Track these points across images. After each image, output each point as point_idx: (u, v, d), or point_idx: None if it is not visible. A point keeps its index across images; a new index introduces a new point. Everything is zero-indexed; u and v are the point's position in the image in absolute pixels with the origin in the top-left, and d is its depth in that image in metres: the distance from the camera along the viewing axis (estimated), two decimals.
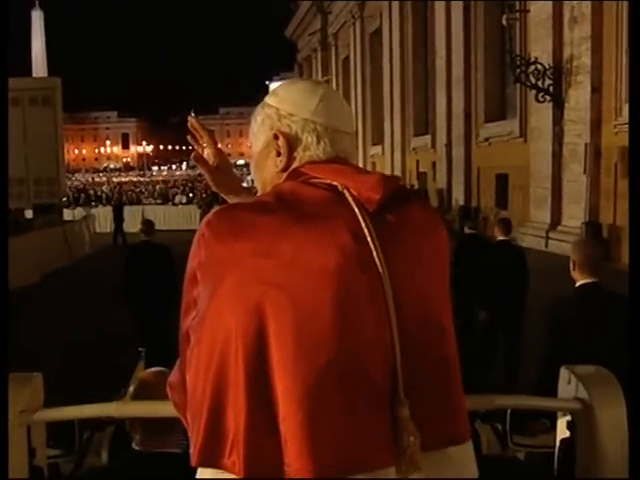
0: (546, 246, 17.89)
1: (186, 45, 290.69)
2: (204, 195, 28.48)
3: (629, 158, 4.13)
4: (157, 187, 36.38)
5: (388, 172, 35.57)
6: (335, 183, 1.44)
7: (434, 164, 28.71)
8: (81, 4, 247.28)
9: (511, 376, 7.03)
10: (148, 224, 8.34)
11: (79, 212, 26.29)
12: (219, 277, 1.36)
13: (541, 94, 17.99)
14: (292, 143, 1.53)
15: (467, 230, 8.68)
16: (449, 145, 26.44)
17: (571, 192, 17.45)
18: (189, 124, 1.92)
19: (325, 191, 1.43)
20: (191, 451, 1.38)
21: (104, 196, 29.55)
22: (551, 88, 17.90)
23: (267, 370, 1.30)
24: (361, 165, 2.04)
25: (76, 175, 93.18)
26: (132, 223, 26.99)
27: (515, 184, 21.72)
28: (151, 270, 7.79)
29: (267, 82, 66.92)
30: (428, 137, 30.00)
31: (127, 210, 27.47)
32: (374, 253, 1.35)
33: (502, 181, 22.67)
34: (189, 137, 1.93)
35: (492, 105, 24.04)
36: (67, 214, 25.17)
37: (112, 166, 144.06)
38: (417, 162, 30.97)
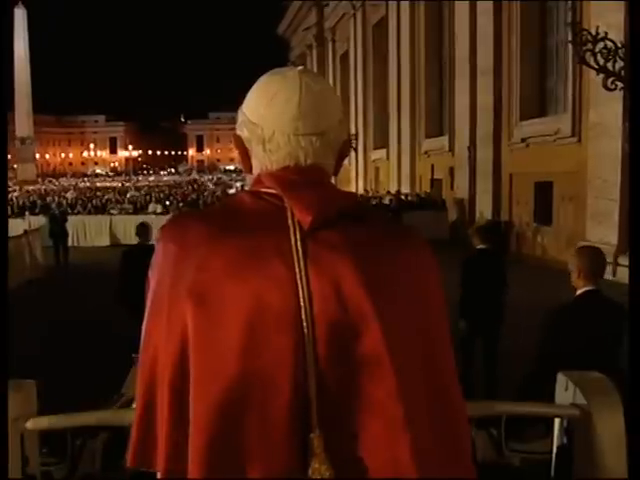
0: (613, 275, 13.78)
1: (176, 48, 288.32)
2: (181, 204, 24.62)
3: (630, 162, 3.45)
4: (128, 194, 32.27)
5: (394, 179, 31.80)
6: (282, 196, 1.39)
7: (451, 170, 24.65)
8: (70, 5, 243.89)
9: (490, 386, 7.04)
10: (143, 227, 8.47)
11: (39, 221, 21.96)
12: (159, 281, 1.39)
13: (611, 80, 13.96)
14: (247, 148, 1.47)
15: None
16: (472, 147, 22.33)
17: None
18: None
19: (269, 205, 1.39)
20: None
21: (65, 202, 25.40)
22: (622, 72, 13.92)
23: (186, 386, 1.30)
24: (362, 172, 11.24)
25: (60, 180, 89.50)
26: (97, 235, 23.34)
27: (564, 194, 17.63)
28: (145, 274, 5.71)
29: None
30: (444, 138, 25.99)
31: (92, 220, 23.73)
32: (297, 279, 1.29)
33: (544, 190, 18.58)
34: None
35: (530, 99, 19.95)
36: (21, 225, 21.02)
37: (99, 171, 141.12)
38: (432, 167, 26.82)
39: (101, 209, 25.34)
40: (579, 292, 4.09)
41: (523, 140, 19.70)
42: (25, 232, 16.47)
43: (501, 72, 20.80)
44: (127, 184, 61.60)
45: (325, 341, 1.28)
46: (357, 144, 36.41)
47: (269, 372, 1.27)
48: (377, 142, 36.45)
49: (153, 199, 27.69)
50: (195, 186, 48.87)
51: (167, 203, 26.26)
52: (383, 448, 1.28)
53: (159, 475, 1.34)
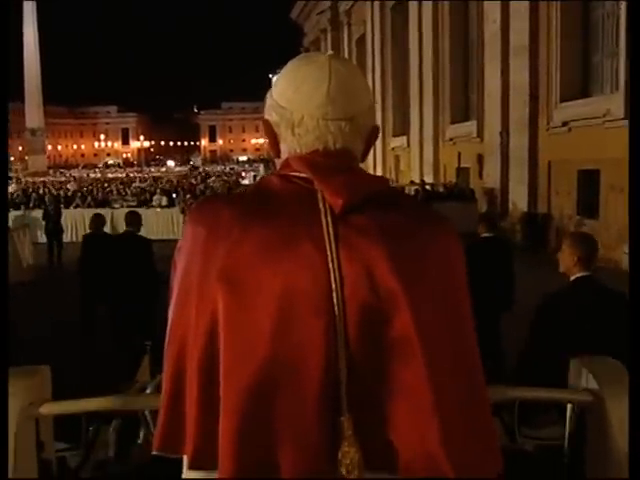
0: None
1: (188, 37, 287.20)
2: (188, 196, 22.88)
3: (629, 159, 2.81)
4: (132, 186, 30.55)
5: (416, 167, 29.89)
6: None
7: (480, 157, 22.77)
8: None
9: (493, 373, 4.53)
10: (132, 215, 8.37)
11: (37, 215, 20.22)
12: (188, 263, 1.35)
13: None
14: (276, 132, 1.44)
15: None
16: (505, 133, 20.40)
17: None
18: None
19: (299, 188, 1.36)
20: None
21: (62, 194, 23.73)
22: None
23: (216, 369, 1.28)
24: (380, 160, 10.25)
25: (72, 171, 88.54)
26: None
27: (613, 184, 15.67)
28: (133, 261, 7.62)
29: (270, 75, 63.80)
30: (472, 124, 24.05)
31: (93, 214, 21.83)
32: (329, 262, 1.27)
33: (589, 180, 16.63)
34: None
35: (571, 78, 17.97)
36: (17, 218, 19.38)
37: (111, 162, 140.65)
38: (459, 155, 24.92)
39: (102, 202, 23.59)
40: (573, 278, 4.10)
41: (564, 124, 17.70)
42: (8, 229, 14.73)
43: (538, 49, 18.80)
44: (137, 175, 59.99)
45: (356, 324, 1.26)
46: None
47: (300, 354, 1.24)
48: (397, 129, 34.57)
49: (158, 191, 25.91)
50: (204, 175, 46.95)
51: (173, 195, 24.53)
52: (412, 431, 1.26)
53: (187, 458, 1.31)
